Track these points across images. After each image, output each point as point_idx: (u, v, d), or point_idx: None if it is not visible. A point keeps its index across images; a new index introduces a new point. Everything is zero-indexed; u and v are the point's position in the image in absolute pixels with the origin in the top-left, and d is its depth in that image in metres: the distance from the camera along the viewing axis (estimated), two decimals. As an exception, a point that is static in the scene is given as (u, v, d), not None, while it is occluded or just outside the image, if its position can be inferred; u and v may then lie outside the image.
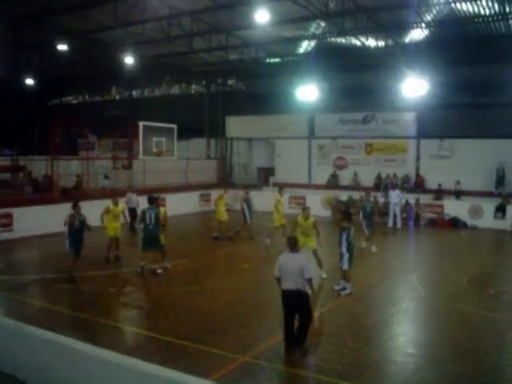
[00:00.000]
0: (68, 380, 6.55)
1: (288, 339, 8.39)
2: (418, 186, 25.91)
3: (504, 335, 9.67)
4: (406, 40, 23.23)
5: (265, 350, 8.49)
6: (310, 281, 8.42)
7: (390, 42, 22.80)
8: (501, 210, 22.36)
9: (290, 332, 8.39)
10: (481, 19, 19.78)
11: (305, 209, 13.52)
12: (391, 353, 8.71)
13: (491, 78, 23.62)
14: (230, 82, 33.93)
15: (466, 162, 24.39)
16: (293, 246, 8.55)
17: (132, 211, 19.09)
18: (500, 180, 23.87)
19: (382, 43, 23.07)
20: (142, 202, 16.66)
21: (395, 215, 23.03)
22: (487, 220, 22.54)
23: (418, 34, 22.52)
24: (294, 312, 8.36)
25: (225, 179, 31.48)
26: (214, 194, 27.26)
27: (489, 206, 22.79)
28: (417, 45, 23.18)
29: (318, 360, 8.20)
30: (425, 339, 9.37)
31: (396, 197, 23.03)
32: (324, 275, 12.96)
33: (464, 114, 24.64)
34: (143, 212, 13.27)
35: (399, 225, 22.94)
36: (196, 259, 15.86)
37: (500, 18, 19.55)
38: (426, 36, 22.52)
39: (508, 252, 19.25)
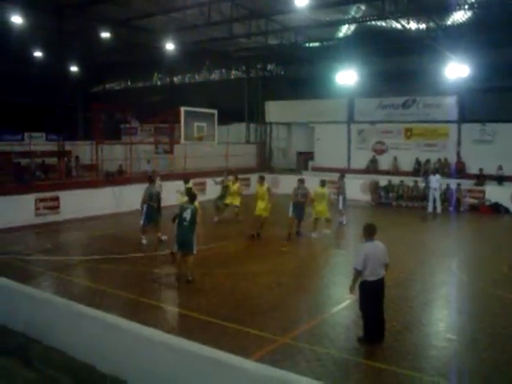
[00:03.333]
0: (112, 356, 6.82)
1: (373, 333, 8.18)
2: (459, 171, 25.51)
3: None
4: (448, 22, 22.75)
5: (304, 332, 8.70)
6: (387, 266, 8.21)
7: (432, 24, 22.39)
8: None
9: (377, 326, 8.18)
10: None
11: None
12: (431, 338, 8.80)
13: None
14: (269, 67, 33.96)
15: (509, 147, 23.85)
16: (372, 233, 8.15)
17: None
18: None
19: (423, 26, 22.66)
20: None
21: (435, 200, 22.81)
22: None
23: (460, 16, 22.02)
24: (382, 303, 8.19)
25: (266, 165, 31.74)
26: (254, 178, 27.59)
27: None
28: (459, 27, 22.70)
29: (358, 343, 8.33)
30: (464, 325, 9.40)
31: (436, 182, 22.81)
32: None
33: (507, 97, 24.11)
34: (181, 208, 11.61)
35: (439, 210, 22.72)
36: (236, 242, 16.15)
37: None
38: (469, 18, 22.00)
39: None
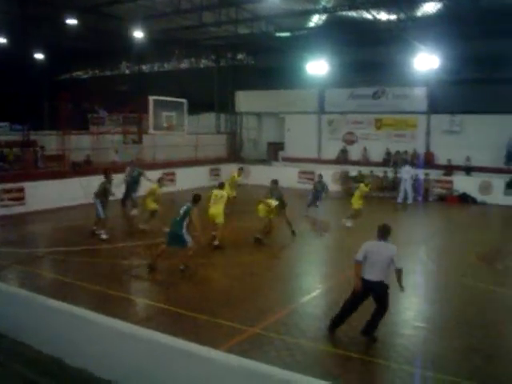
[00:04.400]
0: (80, 349, 6.69)
1: (336, 323, 8.19)
2: (428, 161, 25.81)
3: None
4: (419, 14, 22.88)
5: (274, 322, 8.66)
6: (400, 272, 7.89)
7: (402, 15, 22.47)
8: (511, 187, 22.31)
9: (343, 317, 8.16)
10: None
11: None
12: (399, 326, 8.82)
13: (504, 53, 23.29)
14: (239, 56, 33.72)
15: (477, 138, 24.20)
16: (385, 234, 8.03)
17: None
18: (511, 156, 23.71)
19: (393, 17, 22.75)
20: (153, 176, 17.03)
21: (406, 191, 23.03)
22: (497, 196, 22.52)
23: (430, 8, 22.18)
24: (361, 302, 8.03)
25: (236, 156, 31.63)
26: (224, 168, 27.49)
27: (499, 182, 22.74)
28: (429, 18, 22.83)
29: (326, 331, 8.32)
30: (433, 313, 9.51)
31: (406, 173, 23.03)
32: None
33: (475, 89, 24.39)
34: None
35: (410, 200, 22.95)
36: (207, 233, 16.00)
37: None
38: (439, 10, 22.17)
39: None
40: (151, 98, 22.58)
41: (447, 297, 10.40)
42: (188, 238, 11.36)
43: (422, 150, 26.38)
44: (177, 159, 25.90)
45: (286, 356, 7.36)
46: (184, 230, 11.32)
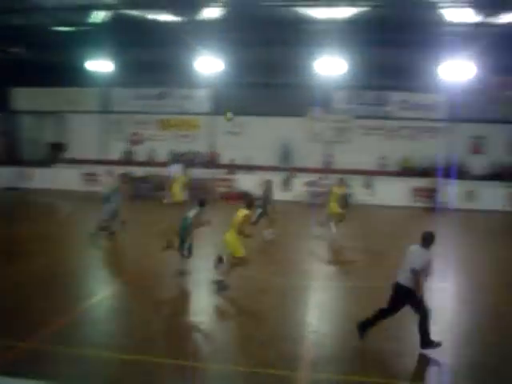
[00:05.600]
0: None
1: (366, 325, 8.19)
2: (212, 161, 26.75)
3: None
4: (201, 17, 23.46)
5: (52, 334, 8.09)
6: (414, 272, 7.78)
7: (186, 18, 22.85)
8: (287, 183, 24.24)
9: (374, 320, 8.16)
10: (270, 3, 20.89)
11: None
12: (178, 323, 8.90)
13: (280, 60, 25.21)
14: (15, 49, 31.03)
15: (257, 139, 25.86)
16: (423, 240, 7.96)
17: None
18: (285, 155, 25.81)
19: (177, 19, 23.00)
20: None
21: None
22: (276, 193, 24.00)
23: (213, 13, 22.89)
24: (396, 306, 8.01)
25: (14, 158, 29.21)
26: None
27: (276, 179, 24.41)
28: (213, 23, 23.53)
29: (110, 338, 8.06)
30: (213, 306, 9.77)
31: (174, 171, 23.35)
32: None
33: (256, 92, 26.09)
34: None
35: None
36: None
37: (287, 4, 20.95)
38: (222, 15, 23.00)
39: (296, 222, 20.32)
40: None
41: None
42: None
43: (207, 151, 27.22)
44: None
45: (67, 367, 6.98)
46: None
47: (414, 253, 7.90)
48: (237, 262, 10.59)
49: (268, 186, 17.34)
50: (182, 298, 10.44)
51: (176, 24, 23.18)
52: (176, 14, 22.62)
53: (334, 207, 16.47)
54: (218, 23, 23.57)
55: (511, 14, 21.42)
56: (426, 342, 7.83)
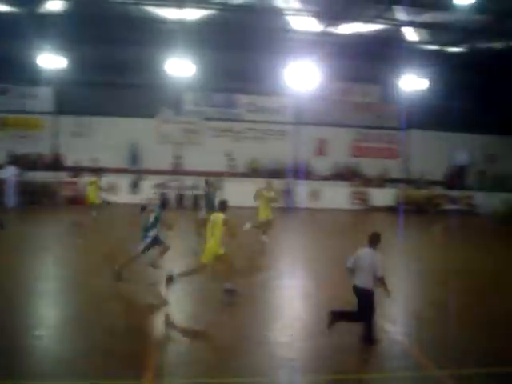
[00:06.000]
0: None
1: (338, 318, 8.24)
2: (56, 163, 25.33)
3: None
4: (43, 10, 22.10)
5: None
6: (381, 279, 8.03)
7: (25, 9, 21.34)
8: (135, 186, 23.85)
9: (347, 319, 8.29)
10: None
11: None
12: (18, 339, 8.11)
13: (131, 60, 24.67)
14: None
15: (104, 140, 25.05)
16: (370, 241, 8.15)
17: None
18: (134, 157, 25.26)
19: (16, 10, 21.39)
20: None
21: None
22: (123, 195, 23.31)
23: (56, 5, 21.68)
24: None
25: None
26: None
27: (124, 181, 23.95)
28: (55, 17, 22.32)
29: None
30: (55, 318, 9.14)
31: (8, 173, 22.41)
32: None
33: (103, 92, 25.13)
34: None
35: (12, 203, 22.07)
36: None
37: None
38: (67, 9, 21.87)
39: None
40: None
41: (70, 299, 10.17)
42: None
43: (49, 152, 25.78)
44: None
45: None
46: None
47: (367, 256, 8.09)
48: (198, 267, 10.21)
49: (215, 186, 16.61)
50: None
51: (15, 15, 21.59)
52: (14, 4, 21.09)
53: (267, 212, 15.91)
54: (61, 17, 22.41)
55: (350, 25, 23.06)
56: (338, 319, 8.18)
